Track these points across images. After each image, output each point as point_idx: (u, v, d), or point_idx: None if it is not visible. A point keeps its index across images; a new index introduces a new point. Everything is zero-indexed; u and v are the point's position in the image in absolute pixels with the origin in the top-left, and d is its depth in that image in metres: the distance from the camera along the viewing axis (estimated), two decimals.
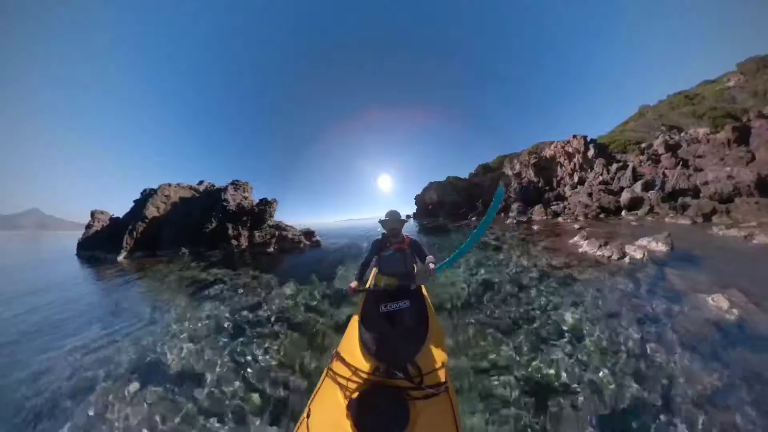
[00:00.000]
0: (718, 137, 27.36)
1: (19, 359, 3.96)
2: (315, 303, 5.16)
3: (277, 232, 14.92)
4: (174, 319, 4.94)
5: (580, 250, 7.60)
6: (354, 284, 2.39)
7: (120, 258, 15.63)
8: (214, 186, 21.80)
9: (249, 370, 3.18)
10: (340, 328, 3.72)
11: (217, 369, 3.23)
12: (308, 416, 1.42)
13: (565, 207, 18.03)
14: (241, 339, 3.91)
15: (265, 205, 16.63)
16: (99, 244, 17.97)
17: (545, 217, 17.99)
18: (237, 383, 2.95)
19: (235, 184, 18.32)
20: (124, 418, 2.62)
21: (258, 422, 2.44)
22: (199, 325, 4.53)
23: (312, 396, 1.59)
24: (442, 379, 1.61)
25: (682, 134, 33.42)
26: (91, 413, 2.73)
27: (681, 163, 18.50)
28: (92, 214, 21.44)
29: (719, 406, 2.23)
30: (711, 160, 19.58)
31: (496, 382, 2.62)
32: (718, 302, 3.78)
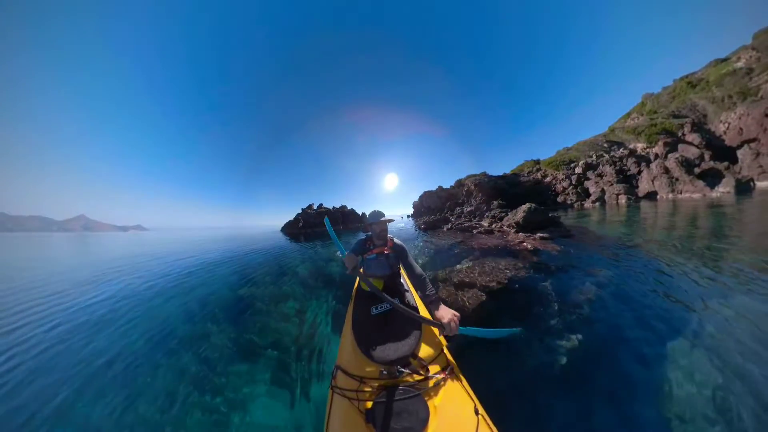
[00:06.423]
0: (652, 151, 40.17)
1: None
2: None
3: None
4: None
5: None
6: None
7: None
8: (323, 205, 50.12)
9: None
10: None
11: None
12: None
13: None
14: None
15: (351, 211, 44.03)
16: (296, 227, 44.29)
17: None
18: None
19: (344, 207, 44.81)
20: None
21: None
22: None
23: (325, 422, 1.50)
24: (446, 363, 1.67)
25: (621, 150, 45.01)
26: None
27: (577, 181, 34.00)
28: (297, 217, 50.70)
29: None
30: (592, 182, 34.55)
31: None
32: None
